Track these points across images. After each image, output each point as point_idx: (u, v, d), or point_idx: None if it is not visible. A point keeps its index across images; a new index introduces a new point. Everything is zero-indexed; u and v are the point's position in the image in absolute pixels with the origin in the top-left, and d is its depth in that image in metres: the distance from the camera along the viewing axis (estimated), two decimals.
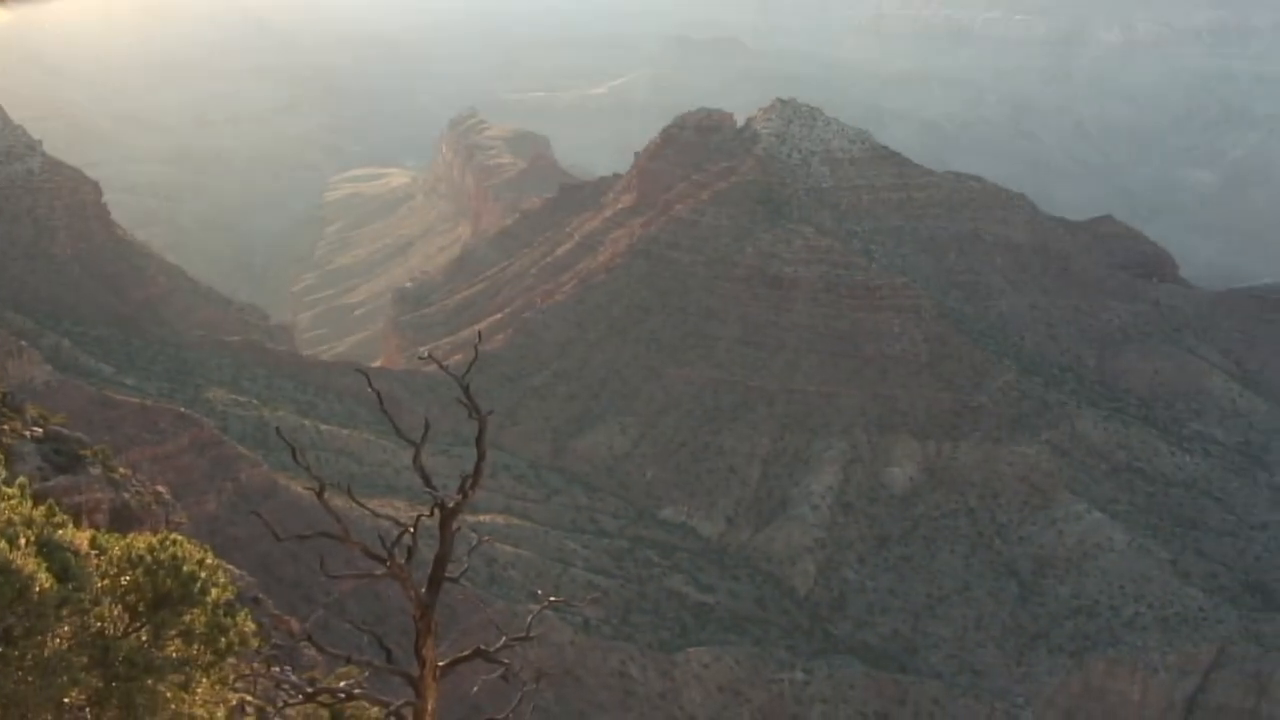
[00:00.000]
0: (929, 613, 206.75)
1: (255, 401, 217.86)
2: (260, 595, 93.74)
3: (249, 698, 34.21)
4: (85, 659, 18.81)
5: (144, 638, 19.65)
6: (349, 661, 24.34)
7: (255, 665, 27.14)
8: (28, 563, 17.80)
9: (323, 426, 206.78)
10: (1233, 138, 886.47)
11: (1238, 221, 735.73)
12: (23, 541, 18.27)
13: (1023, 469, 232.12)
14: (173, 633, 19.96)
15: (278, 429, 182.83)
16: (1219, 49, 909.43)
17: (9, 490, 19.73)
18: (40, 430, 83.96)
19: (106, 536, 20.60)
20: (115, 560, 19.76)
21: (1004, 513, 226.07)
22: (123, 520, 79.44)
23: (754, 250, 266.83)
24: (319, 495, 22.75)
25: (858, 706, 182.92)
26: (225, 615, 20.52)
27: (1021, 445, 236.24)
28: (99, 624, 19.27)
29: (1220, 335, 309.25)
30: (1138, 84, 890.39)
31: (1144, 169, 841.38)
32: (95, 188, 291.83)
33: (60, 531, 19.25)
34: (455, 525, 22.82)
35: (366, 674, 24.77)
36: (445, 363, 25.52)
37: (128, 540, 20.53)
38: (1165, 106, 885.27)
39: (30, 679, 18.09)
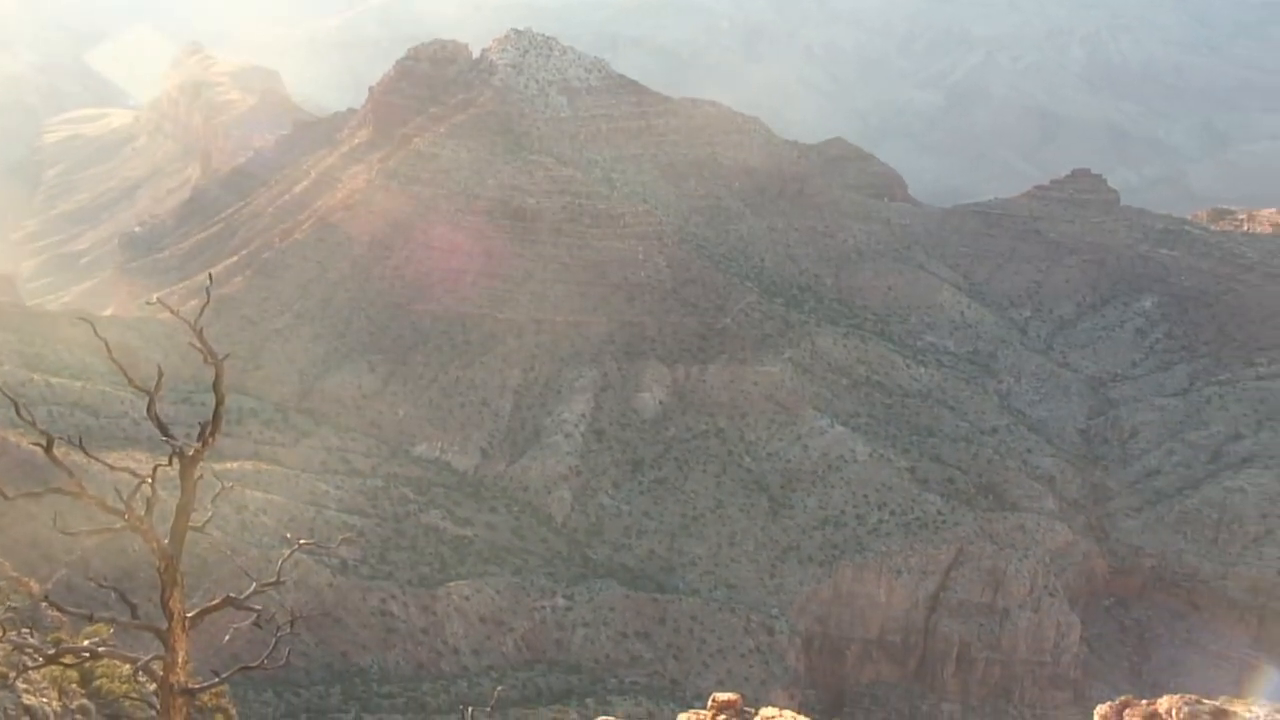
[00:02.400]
0: (684, 532, 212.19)
1: None
2: None
3: None
4: None
5: None
6: (91, 620, 23.67)
7: None
8: None
9: (53, 380, 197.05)
10: (954, 60, 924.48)
11: (962, 141, 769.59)
12: None
13: (768, 388, 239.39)
14: None
15: None
16: None
17: None
18: None
19: None
20: None
21: (752, 431, 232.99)
22: None
23: (496, 183, 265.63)
24: (47, 450, 21.95)
25: (619, 628, 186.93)
26: None
27: (766, 365, 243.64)
28: None
29: (949, 251, 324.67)
30: (864, 8, 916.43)
31: (872, 91, 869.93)
32: None
33: None
34: (197, 473, 22.34)
35: (113, 631, 24.15)
36: (178, 309, 24.83)
37: None
38: (890, 30, 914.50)
39: None
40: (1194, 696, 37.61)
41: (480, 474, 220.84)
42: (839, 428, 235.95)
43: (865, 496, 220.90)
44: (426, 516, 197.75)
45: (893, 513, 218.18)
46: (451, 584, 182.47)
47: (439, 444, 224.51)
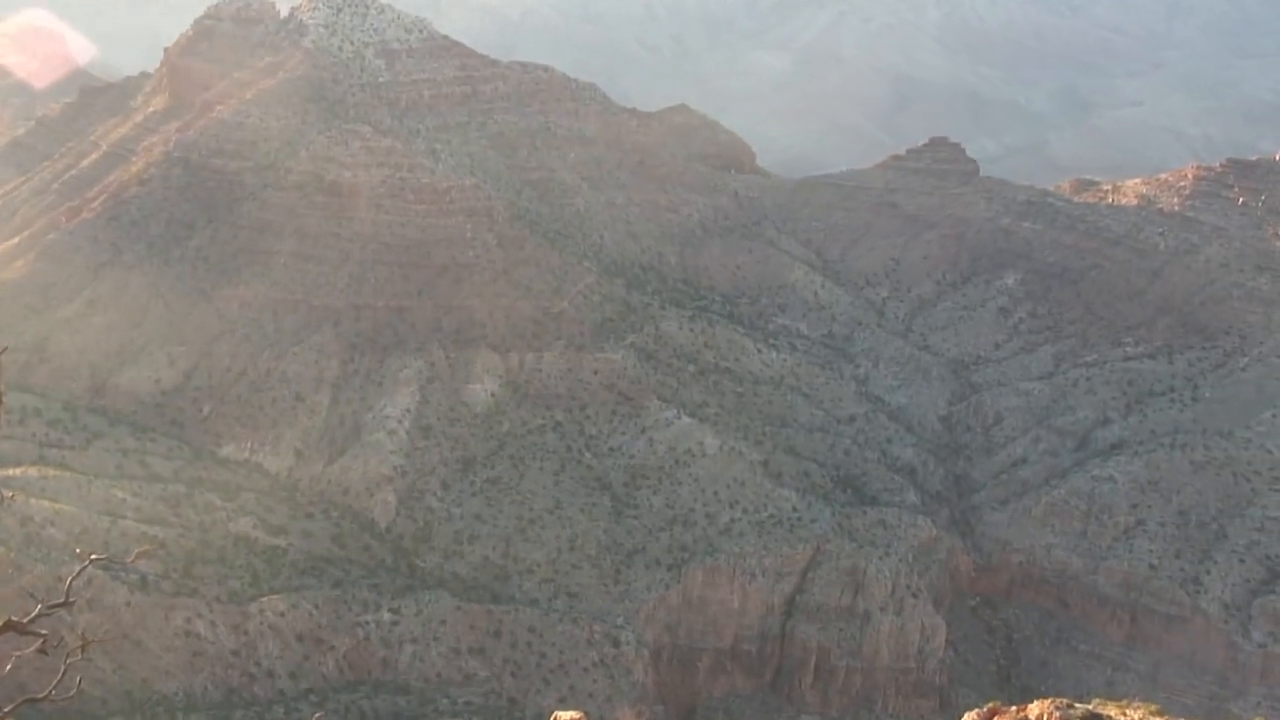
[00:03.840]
0: (520, 536, 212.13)
1: None
2: None
3: None
4: None
5: None
6: None
7: None
8: None
9: None
10: (804, 20, 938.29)
11: (813, 107, 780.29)
12: None
13: (609, 377, 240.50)
14: None
15: None
16: None
17: None
18: None
19: None
20: None
21: (593, 424, 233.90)
22: None
23: (308, 154, 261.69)
24: None
25: (451, 643, 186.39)
26: None
27: (606, 352, 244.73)
28: None
29: (801, 226, 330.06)
30: None
31: (716, 54, 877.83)
32: None
33: None
34: None
35: None
36: None
37: None
38: None
39: None
40: (1065, 700, 38.72)
41: (295, 476, 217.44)
42: (686, 419, 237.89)
43: (715, 493, 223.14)
44: (236, 525, 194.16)
45: (745, 510, 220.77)
46: (264, 599, 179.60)
47: (248, 444, 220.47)
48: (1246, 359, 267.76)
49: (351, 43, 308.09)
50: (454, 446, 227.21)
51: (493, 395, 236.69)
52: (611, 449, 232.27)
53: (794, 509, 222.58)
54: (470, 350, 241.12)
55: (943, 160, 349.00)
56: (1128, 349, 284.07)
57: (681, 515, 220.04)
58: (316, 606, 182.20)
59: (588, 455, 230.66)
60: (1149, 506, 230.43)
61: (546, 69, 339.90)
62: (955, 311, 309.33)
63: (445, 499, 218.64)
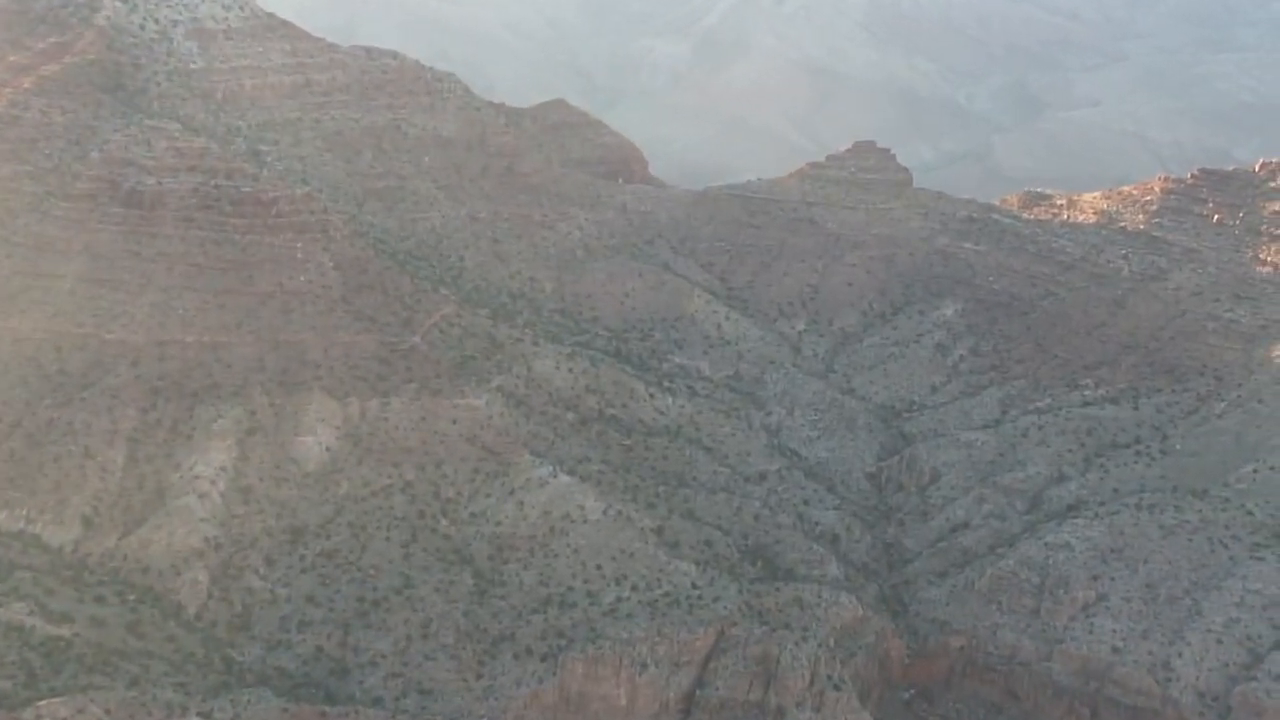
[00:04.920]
0: (361, 622, 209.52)
1: None
2: None
3: None
4: None
5: None
6: None
7: None
8: None
9: None
10: (704, 1, 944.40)
11: (715, 103, 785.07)
12: None
13: (470, 427, 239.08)
14: None
15: None
16: None
17: None
18: None
19: None
20: None
21: (450, 485, 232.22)
22: None
23: (101, 157, 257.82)
24: None
25: None
26: None
27: (468, 397, 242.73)
28: None
29: (701, 245, 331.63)
30: None
31: (600, 41, 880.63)
32: None
33: None
34: None
35: None
36: None
37: None
38: None
39: None
40: None
41: (83, 551, 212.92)
42: (564, 477, 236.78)
43: (599, 567, 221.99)
44: (7, 611, 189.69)
45: (635, 588, 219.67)
46: (43, 703, 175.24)
47: (23, 511, 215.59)
48: (1224, 404, 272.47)
49: (156, 20, 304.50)
50: (280, 513, 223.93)
51: (328, 450, 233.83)
52: (473, 515, 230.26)
53: (693, 585, 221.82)
54: (301, 395, 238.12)
55: (870, 169, 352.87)
56: (1086, 392, 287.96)
57: (558, 594, 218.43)
58: (108, 711, 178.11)
59: (444, 522, 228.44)
60: (1112, 579, 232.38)
61: (395, 55, 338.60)
62: (885, 348, 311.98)
63: (269, 577, 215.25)
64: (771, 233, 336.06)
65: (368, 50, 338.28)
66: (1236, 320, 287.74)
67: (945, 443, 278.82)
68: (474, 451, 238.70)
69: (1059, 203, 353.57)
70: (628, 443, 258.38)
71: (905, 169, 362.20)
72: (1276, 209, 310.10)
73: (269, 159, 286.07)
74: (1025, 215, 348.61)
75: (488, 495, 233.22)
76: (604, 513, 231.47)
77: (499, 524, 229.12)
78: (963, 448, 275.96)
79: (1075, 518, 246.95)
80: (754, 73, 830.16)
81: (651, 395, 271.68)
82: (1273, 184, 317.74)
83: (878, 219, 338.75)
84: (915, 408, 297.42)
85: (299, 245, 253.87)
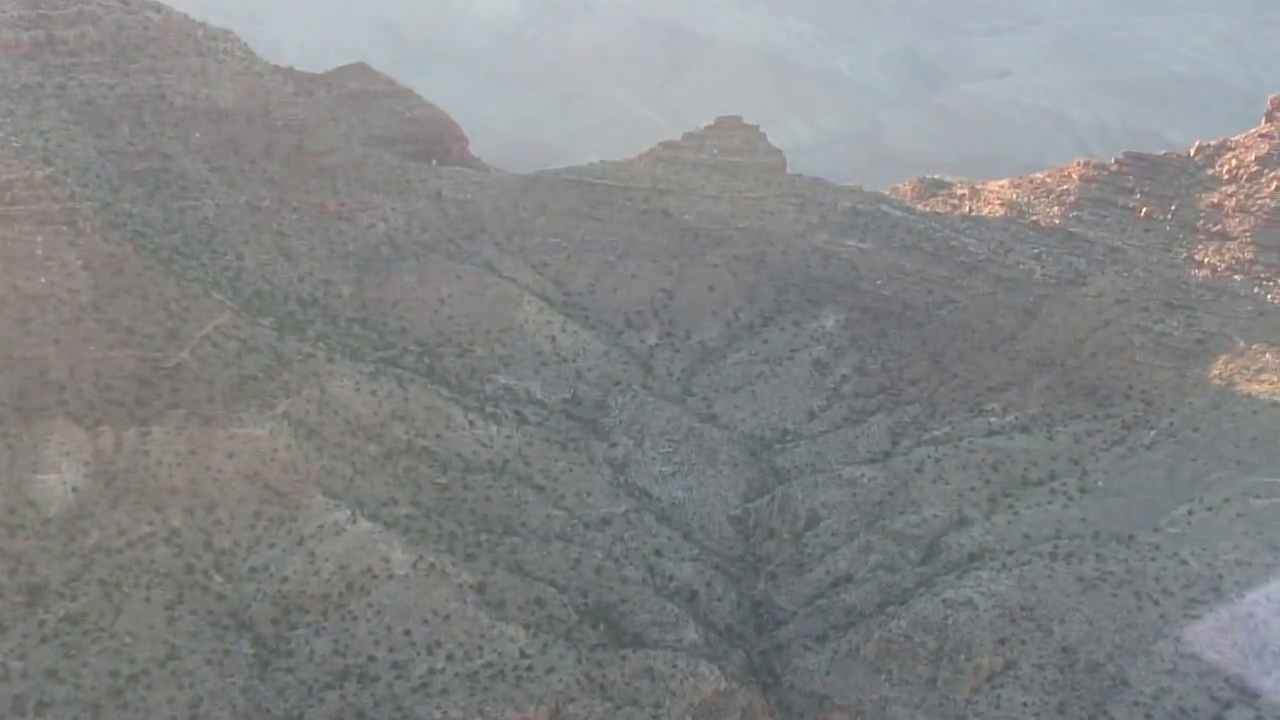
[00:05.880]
0: (115, 702, 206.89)
1: None
2: None
3: None
4: None
5: None
6: None
7: None
8: None
9: None
10: None
11: (550, 71, 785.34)
12: None
13: (250, 462, 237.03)
14: None
15: None
16: None
17: None
18: None
19: None
20: None
21: (226, 533, 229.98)
22: None
23: None
24: None
25: None
26: None
27: (247, 425, 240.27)
28: None
29: (533, 242, 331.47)
30: None
31: None
32: None
33: None
34: None
35: None
36: None
37: None
38: None
39: None
40: None
41: None
42: (365, 523, 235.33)
43: (407, 633, 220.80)
44: None
45: (451, 657, 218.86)
46: None
47: None
48: (1154, 432, 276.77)
49: None
50: (14, 568, 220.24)
51: (74, 490, 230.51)
52: (253, 569, 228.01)
53: (522, 654, 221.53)
54: (40, 424, 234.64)
55: (735, 150, 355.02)
56: (992, 419, 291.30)
57: (357, 666, 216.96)
58: None
59: (218, 579, 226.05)
60: (1022, 642, 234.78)
61: (159, 8, 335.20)
62: (753, 366, 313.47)
63: (0, 648, 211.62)
64: (617, 227, 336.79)
65: (125, 1, 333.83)
66: (1168, 333, 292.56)
67: (825, 480, 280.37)
68: (254, 492, 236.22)
69: (960, 192, 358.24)
70: (442, 481, 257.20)
71: (777, 150, 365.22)
72: (1215, 201, 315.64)
73: (1, 134, 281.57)
74: (920, 207, 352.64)
75: (271, 545, 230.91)
76: (413, 566, 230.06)
77: (285, 580, 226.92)
78: (845, 486, 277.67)
79: (979, 569, 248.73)
80: (596, 34, 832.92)
81: (472, 423, 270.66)
82: (1210, 171, 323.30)
83: (744, 210, 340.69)
84: (789, 438, 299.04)
85: (39, 240, 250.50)
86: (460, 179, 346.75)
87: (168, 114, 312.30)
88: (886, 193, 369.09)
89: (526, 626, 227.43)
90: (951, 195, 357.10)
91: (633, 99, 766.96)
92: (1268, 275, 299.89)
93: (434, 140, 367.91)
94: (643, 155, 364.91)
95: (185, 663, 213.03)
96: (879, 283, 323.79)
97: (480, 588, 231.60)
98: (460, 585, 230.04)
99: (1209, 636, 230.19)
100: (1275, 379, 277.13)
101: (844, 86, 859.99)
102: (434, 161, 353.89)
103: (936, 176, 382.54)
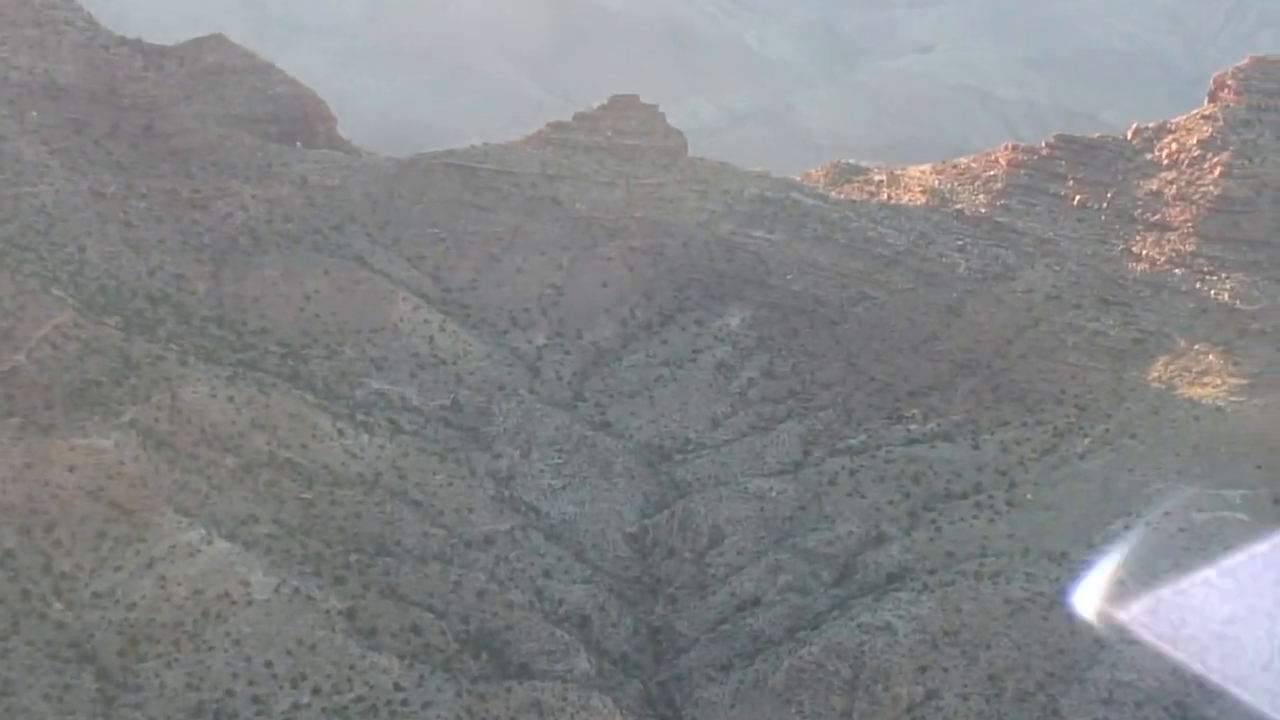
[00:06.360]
0: None
1: None
2: None
3: None
4: None
5: None
6: None
7: None
8: None
9: None
10: None
11: (427, 44, 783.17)
12: None
13: (94, 476, 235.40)
14: None
15: None
16: None
17: None
18: None
19: None
20: None
21: (66, 555, 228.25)
22: None
23: None
24: None
25: None
26: None
27: (90, 435, 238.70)
28: None
29: (408, 233, 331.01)
30: None
31: None
32: None
33: None
34: None
35: None
36: None
37: None
38: None
39: None
40: None
41: None
42: (221, 544, 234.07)
43: (269, 664, 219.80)
44: None
45: (318, 691, 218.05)
46: None
47: None
48: (1088, 440, 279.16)
49: None
50: None
51: None
52: (97, 595, 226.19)
53: (396, 686, 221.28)
54: None
55: (632, 131, 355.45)
56: (912, 427, 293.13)
57: (213, 701, 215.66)
58: None
59: (57, 605, 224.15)
60: (945, 670, 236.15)
61: None
62: (650, 369, 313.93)
63: None
64: (502, 216, 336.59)
65: None
66: (1103, 332, 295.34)
67: (730, 493, 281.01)
68: (99, 509, 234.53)
69: (877, 178, 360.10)
70: (308, 496, 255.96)
71: (678, 132, 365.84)
72: (1154, 188, 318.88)
73: None
74: (834, 194, 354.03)
75: (117, 568, 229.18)
76: (276, 590, 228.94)
77: (133, 607, 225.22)
78: (752, 500, 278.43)
79: (898, 590, 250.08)
80: (478, 3, 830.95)
81: (341, 432, 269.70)
82: (1149, 156, 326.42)
83: (642, 198, 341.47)
84: (690, 447, 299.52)
85: None
86: (328, 163, 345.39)
87: (1, 91, 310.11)
88: (798, 179, 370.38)
89: (401, 656, 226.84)
90: (869, 182, 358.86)
91: (519, 75, 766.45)
92: (1211, 269, 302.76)
93: (299, 120, 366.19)
94: (530, 137, 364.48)
95: (20, 699, 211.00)
96: (789, 277, 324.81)
97: (350, 614, 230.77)
98: (328, 611, 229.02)
99: (1147, 663, 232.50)
100: (1219, 382, 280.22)
101: (752, 62, 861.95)
102: (299, 144, 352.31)
103: (852, 161, 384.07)
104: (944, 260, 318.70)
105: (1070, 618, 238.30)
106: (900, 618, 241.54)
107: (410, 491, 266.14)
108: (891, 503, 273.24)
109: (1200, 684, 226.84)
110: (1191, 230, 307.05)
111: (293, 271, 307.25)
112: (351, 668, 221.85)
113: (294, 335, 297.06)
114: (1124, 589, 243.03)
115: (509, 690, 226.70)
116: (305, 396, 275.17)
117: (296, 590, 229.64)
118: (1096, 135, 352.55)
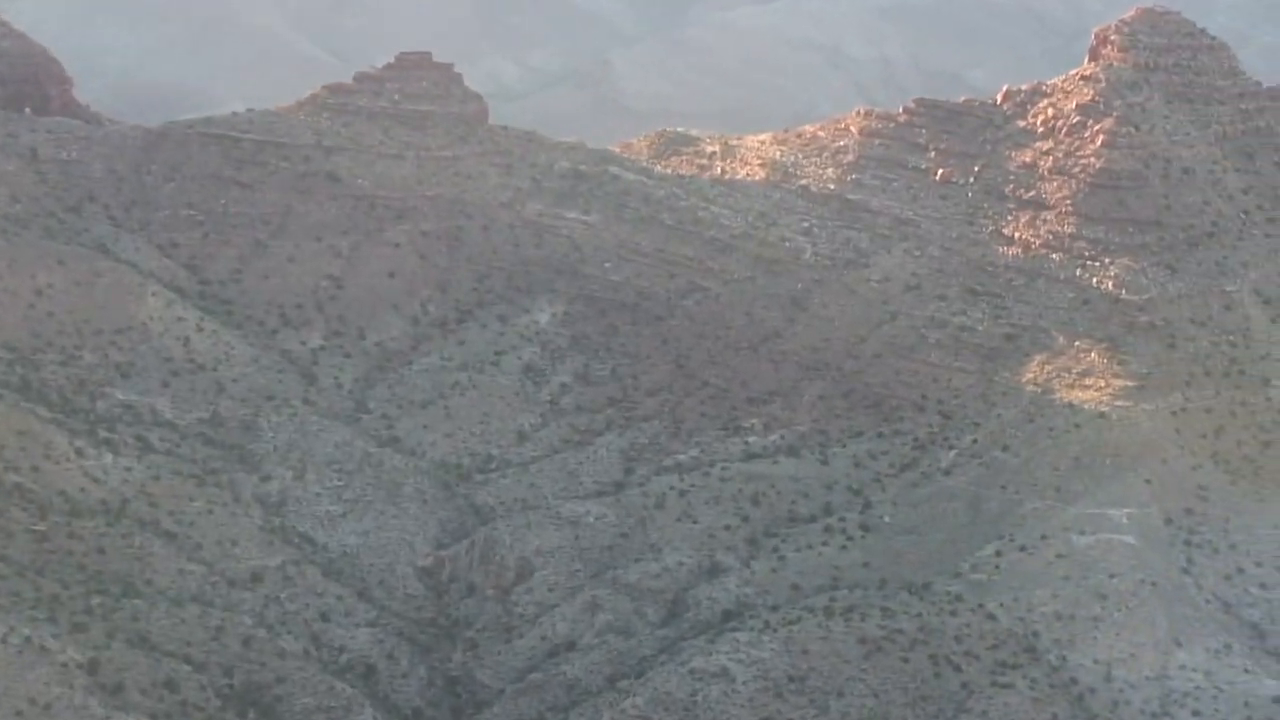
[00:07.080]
0: None
1: None
2: None
3: None
4: None
5: None
6: None
7: None
8: None
9: None
10: None
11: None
12: None
13: None
14: None
15: None
16: None
17: None
18: None
19: None
20: None
21: None
22: None
23: None
24: None
25: None
26: None
27: None
28: None
29: (160, 215, 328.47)
30: None
31: None
32: None
33: None
34: None
35: None
36: None
37: None
38: None
39: None
40: None
41: None
42: None
43: None
44: None
45: None
46: None
47: None
48: (953, 453, 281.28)
49: None
50: None
51: None
52: None
53: None
54: None
55: (421, 94, 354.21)
56: (751, 439, 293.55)
57: None
58: None
59: None
60: (789, 715, 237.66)
61: None
62: (446, 374, 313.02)
63: None
64: (269, 194, 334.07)
65: None
66: (971, 327, 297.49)
67: (540, 519, 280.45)
68: None
69: (710, 150, 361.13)
70: (41, 528, 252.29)
71: (478, 96, 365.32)
72: (1027, 160, 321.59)
73: None
74: (659, 169, 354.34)
75: None
76: (3, 641, 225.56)
77: None
78: (566, 527, 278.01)
79: (736, 630, 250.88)
80: None
81: (79, 452, 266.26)
82: (1022, 123, 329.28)
83: (435, 174, 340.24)
84: (494, 466, 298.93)
85: None
86: (63, 133, 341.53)
87: None
88: (617, 150, 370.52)
89: (153, 716, 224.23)
90: (700, 154, 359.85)
91: (289, 28, 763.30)
92: (1092, 253, 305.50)
93: (28, 82, 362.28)
94: (303, 102, 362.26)
95: None
96: (607, 266, 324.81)
97: (91, 667, 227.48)
98: (65, 664, 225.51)
99: (1022, 709, 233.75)
100: (1102, 384, 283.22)
101: (563, 15, 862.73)
102: (27, 110, 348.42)
103: (680, 130, 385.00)
104: (787, 245, 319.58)
105: (934, 659, 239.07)
106: (738, 662, 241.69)
107: (163, 521, 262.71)
108: (728, 528, 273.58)
109: None
110: (1070, 209, 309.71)
111: (20, 262, 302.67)
112: None
113: (23, 337, 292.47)
114: (995, 625, 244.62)
115: None
116: (37, 410, 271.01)
117: (28, 640, 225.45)
118: (961, 99, 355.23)
